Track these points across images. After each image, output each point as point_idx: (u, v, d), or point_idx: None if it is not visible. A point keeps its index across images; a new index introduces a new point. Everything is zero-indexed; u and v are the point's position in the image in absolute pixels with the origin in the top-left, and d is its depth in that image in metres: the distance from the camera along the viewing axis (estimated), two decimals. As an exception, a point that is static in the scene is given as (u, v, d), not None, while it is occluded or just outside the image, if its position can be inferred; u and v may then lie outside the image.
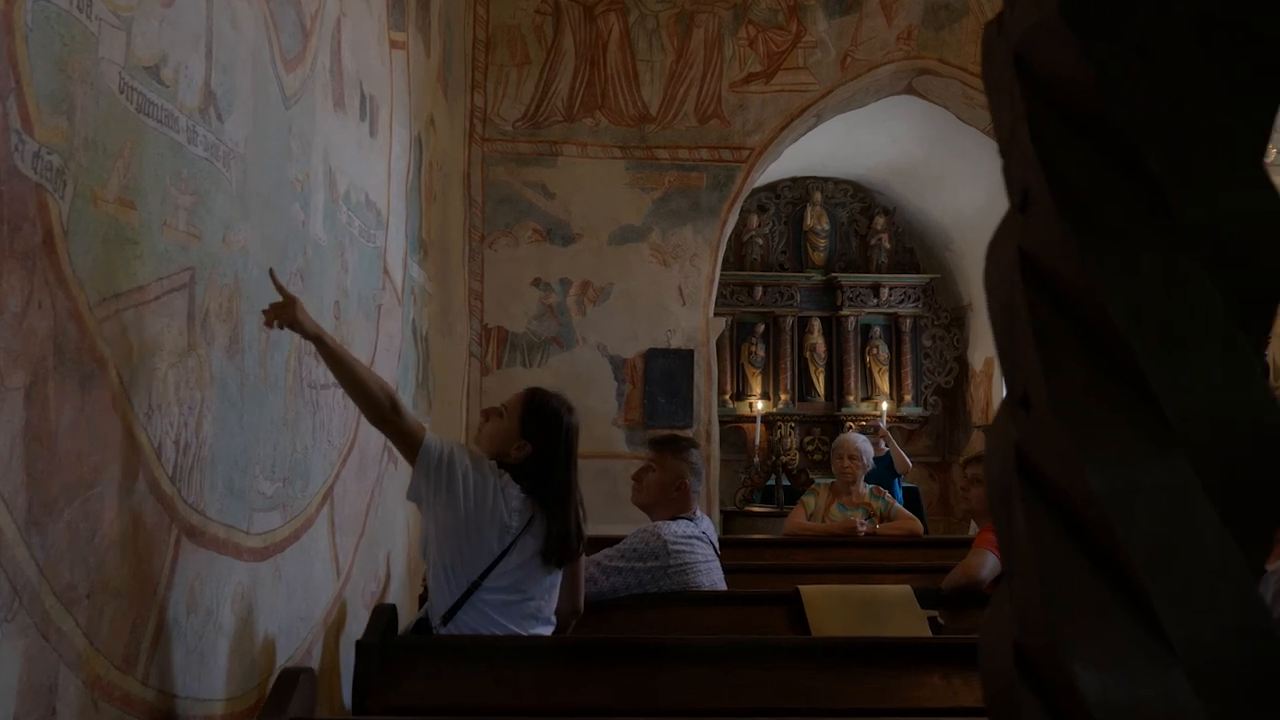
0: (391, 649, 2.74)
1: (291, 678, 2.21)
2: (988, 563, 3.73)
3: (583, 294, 7.74)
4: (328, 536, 3.98)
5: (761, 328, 11.90)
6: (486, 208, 7.69)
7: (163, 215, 2.47)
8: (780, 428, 11.83)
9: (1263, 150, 0.87)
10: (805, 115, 7.96)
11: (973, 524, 5.18)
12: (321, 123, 3.80)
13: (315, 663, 3.80)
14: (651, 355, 7.73)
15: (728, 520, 9.74)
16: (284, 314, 2.80)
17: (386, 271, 4.92)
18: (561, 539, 3.12)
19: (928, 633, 3.51)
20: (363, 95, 4.43)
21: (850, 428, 10.77)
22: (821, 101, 7.96)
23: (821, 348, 12.01)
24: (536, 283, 7.73)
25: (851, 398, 11.90)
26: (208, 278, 2.74)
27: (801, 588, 3.67)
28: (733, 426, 11.55)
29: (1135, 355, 0.84)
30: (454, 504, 3.02)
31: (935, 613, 3.59)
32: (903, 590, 3.67)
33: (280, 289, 2.84)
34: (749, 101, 7.92)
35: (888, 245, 12.18)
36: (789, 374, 11.93)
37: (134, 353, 2.33)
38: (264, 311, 2.86)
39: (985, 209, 9.98)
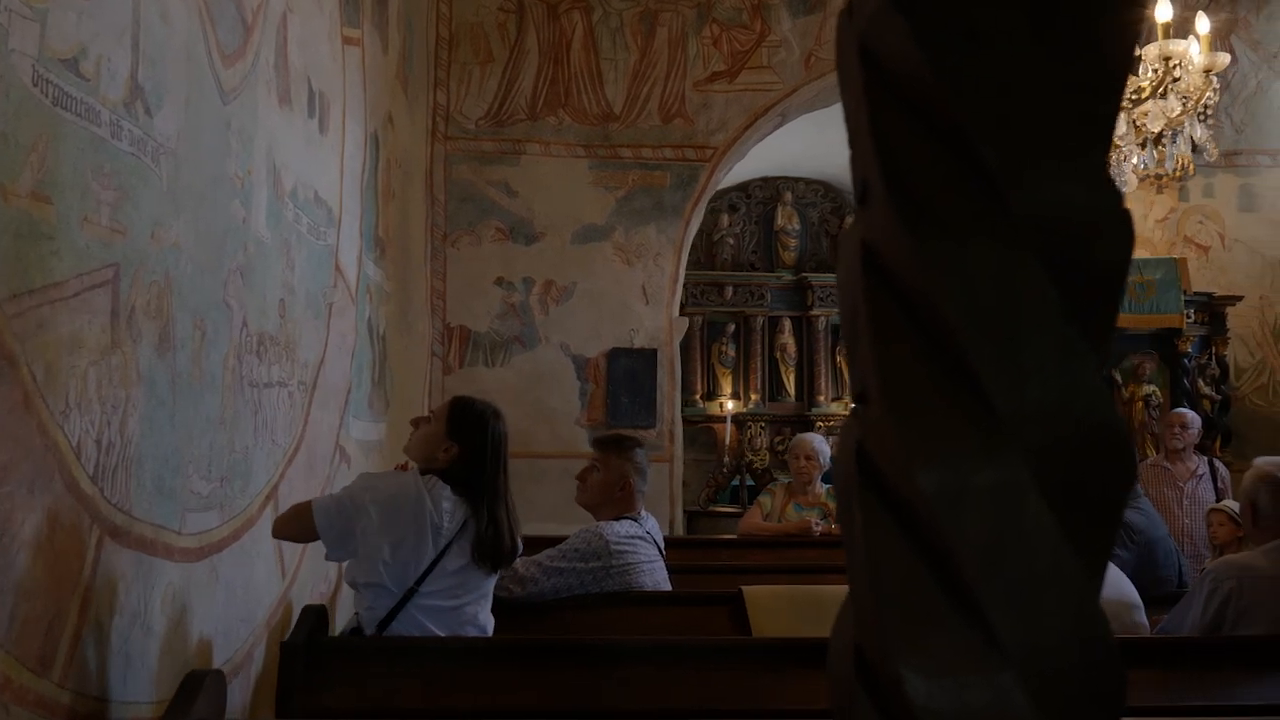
0: (318, 650, 2.71)
1: (198, 680, 2.18)
2: (932, 563, 3.71)
3: (545, 293, 7.71)
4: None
5: (732, 327, 11.89)
6: (449, 206, 7.65)
7: (83, 210, 2.43)
8: (751, 427, 11.81)
9: (1103, 143, 0.85)
10: (770, 114, 7.95)
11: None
12: (265, 118, 3.76)
13: (257, 665, 3.76)
14: (614, 355, 7.71)
15: (692, 520, 9.72)
16: None
17: (339, 269, 4.88)
18: (494, 540, 3.10)
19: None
20: (311, 91, 4.39)
21: (820, 428, 10.77)
22: (786, 101, 7.95)
23: (792, 348, 12.01)
24: (499, 282, 7.69)
25: (822, 398, 11.90)
26: (133, 274, 2.70)
27: (744, 588, 3.64)
28: (703, 426, 11.54)
29: (967, 352, 0.82)
30: (368, 541, 3.03)
31: (878, 613, 3.57)
32: (845, 590, 3.64)
33: None
34: (713, 100, 7.90)
35: (857, 245, 12.19)
36: (759, 374, 11.92)
37: (49, 350, 2.29)
38: None
39: (953, 209, 9.97)
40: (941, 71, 0.82)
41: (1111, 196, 0.83)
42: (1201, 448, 6.35)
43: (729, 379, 11.88)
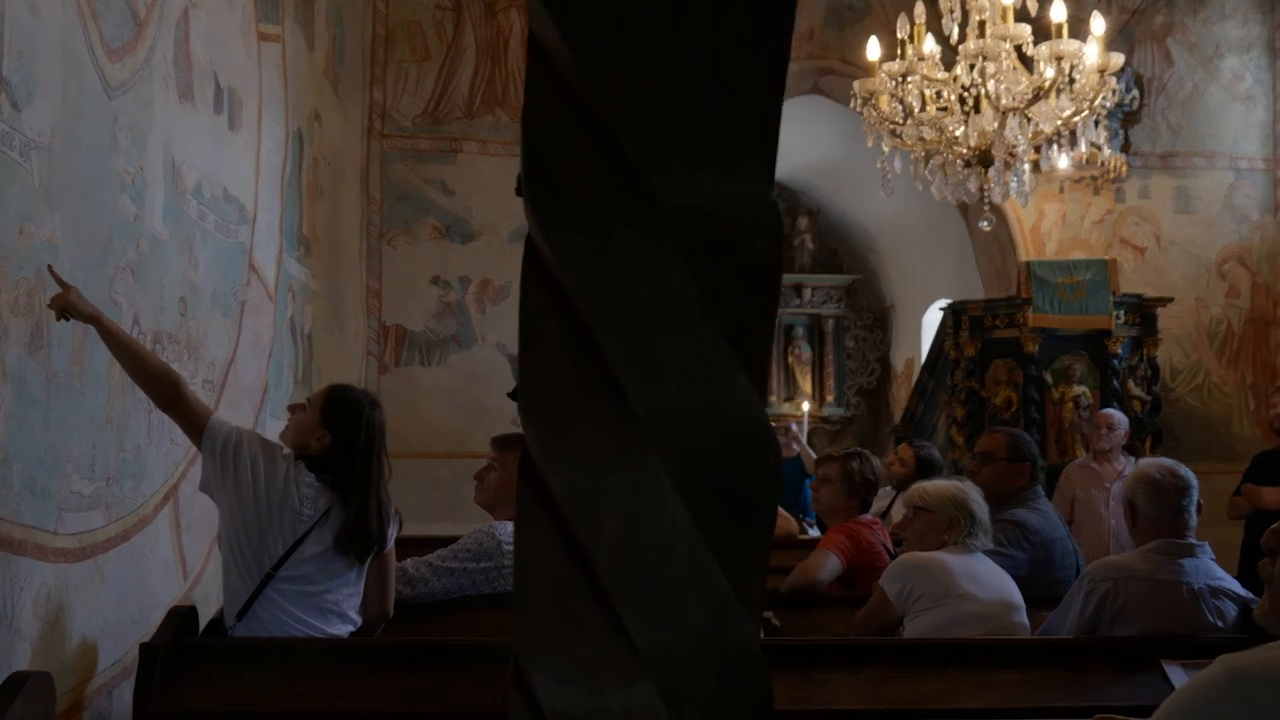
0: (181, 652, 2.67)
1: (18, 681, 2.14)
2: (827, 564, 3.69)
3: (482, 292, 7.66)
4: (170, 537, 3.89)
5: (683, 328, 11.87)
6: (385, 204, 7.59)
7: (-67, 206, 2.39)
8: (701, 428, 11.78)
9: (759, 140, 0.83)
10: (710, 115, 7.92)
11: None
12: (162, 114, 3.72)
13: (153, 666, 3.71)
14: (552, 354, 7.66)
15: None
16: (59, 301, 2.80)
17: (253, 267, 4.84)
18: (358, 530, 3.05)
19: (760, 634, 3.46)
20: (219, 87, 4.34)
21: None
22: (727, 101, 7.93)
23: (743, 348, 11.99)
24: (435, 281, 7.64)
25: (774, 398, 11.88)
26: (-4, 271, 2.67)
27: (639, 588, 3.62)
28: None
29: (603, 346, 0.80)
30: (241, 490, 2.98)
31: (769, 613, 3.55)
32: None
33: (59, 280, 2.82)
34: (652, 100, 7.87)
35: (811, 245, 12.20)
36: (710, 374, 11.90)
37: (-110, 347, 2.25)
38: (49, 306, 2.84)
39: (905, 210, 10.00)
40: (586, 63, 0.81)
41: (762, 194, 0.82)
42: (1131, 449, 6.37)
43: (680, 379, 11.86)
